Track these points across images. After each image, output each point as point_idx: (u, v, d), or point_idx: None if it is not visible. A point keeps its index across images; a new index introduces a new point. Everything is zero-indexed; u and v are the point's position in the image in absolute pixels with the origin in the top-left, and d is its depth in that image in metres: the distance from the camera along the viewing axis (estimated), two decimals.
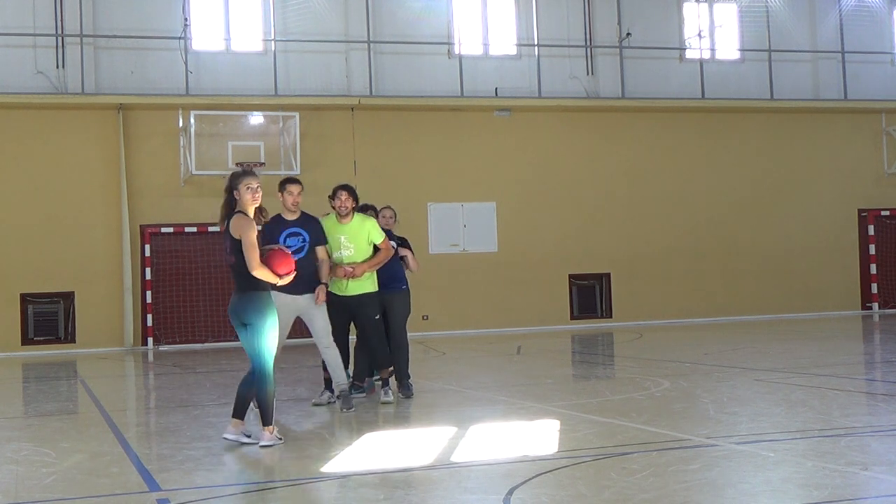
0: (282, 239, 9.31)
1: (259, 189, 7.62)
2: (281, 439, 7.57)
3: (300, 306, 9.32)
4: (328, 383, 9.84)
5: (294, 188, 9.41)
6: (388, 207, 10.86)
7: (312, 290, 9.31)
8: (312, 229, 9.44)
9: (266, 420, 7.53)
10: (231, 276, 7.70)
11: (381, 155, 21.39)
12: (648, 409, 8.89)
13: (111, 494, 6.13)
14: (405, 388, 10.18)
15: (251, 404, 7.94)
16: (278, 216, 9.46)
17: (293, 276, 7.65)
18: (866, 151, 24.60)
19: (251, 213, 7.60)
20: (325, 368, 9.87)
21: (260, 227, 7.69)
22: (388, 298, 10.07)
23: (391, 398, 9.79)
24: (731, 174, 23.66)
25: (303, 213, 9.53)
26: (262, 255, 7.52)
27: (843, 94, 24.48)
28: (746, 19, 24.47)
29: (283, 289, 9.18)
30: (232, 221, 7.52)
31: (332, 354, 9.42)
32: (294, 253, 9.22)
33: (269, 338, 7.51)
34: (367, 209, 10.43)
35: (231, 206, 7.61)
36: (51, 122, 20.07)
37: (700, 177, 23.48)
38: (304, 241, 9.36)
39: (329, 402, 9.72)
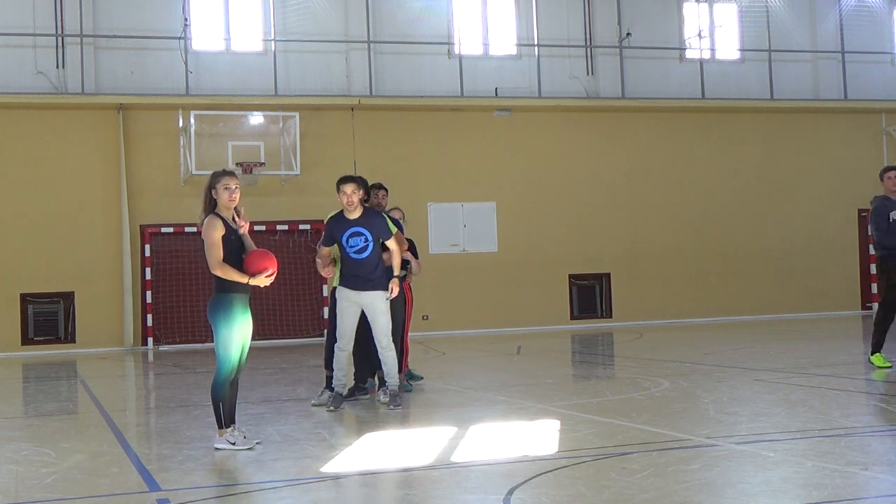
0: (344, 239, 9.30)
1: (237, 190, 7.52)
2: (234, 443, 7.34)
3: (363, 303, 9.32)
4: (329, 381, 9.82)
5: (347, 187, 9.23)
6: (381, 188, 10.74)
7: (376, 288, 9.28)
8: (375, 226, 9.33)
9: (217, 423, 7.46)
10: None
11: (381, 155, 21.38)
12: (648, 409, 8.89)
13: (111, 494, 6.13)
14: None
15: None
16: (339, 214, 9.40)
17: (269, 276, 7.41)
18: (866, 151, 24.58)
19: (228, 213, 7.54)
20: (327, 367, 9.87)
21: (237, 228, 7.60)
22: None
23: (387, 398, 9.76)
24: (731, 174, 23.66)
25: (365, 209, 9.43)
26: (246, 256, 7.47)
27: (843, 94, 24.48)
28: (746, 19, 24.48)
29: (346, 284, 9.26)
30: (203, 222, 7.48)
31: (389, 356, 9.44)
32: (358, 252, 9.26)
33: (224, 340, 7.37)
34: (380, 188, 10.34)
35: (212, 206, 7.53)
36: (51, 122, 20.07)
37: (700, 177, 23.48)
38: (366, 240, 9.28)
39: (330, 401, 9.63)
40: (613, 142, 23.02)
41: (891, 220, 11.82)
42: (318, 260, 9.68)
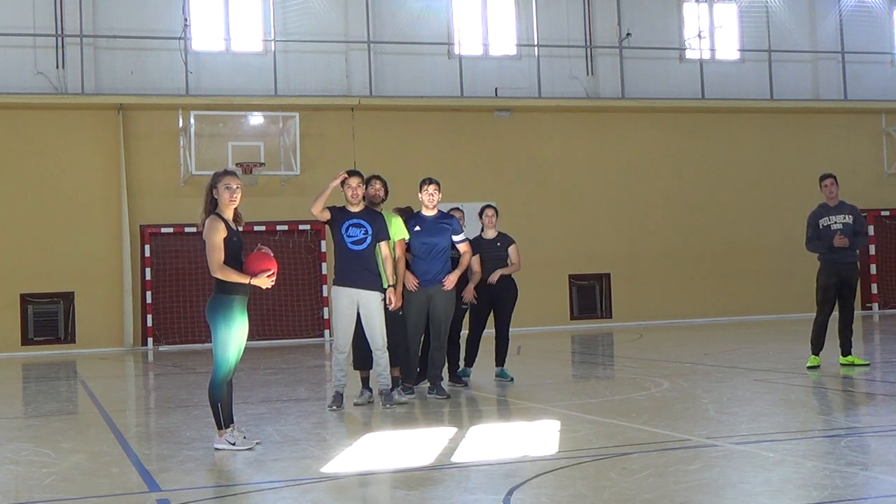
0: (343, 229, 9.36)
1: (238, 190, 7.51)
2: (234, 443, 7.34)
3: (360, 300, 9.34)
4: (364, 381, 9.83)
5: (353, 181, 9.40)
6: (377, 179, 10.40)
7: (372, 287, 9.34)
8: (375, 222, 9.45)
9: (217, 423, 7.45)
10: None
11: (381, 155, 21.34)
12: (648, 409, 8.89)
13: (111, 494, 6.13)
14: (438, 390, 10.05)
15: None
16: (343, 207, 9.51)
17: (270, 277, 7.37)
18: (866, 151, 24.59)
19: (229, 213, 7.53)
20: (357, 367, 9.90)
21: (238, 228, 7.60)
22: (431, 293, 9.94)
23: (404, 398, 9.76)
24: (731, 174, 23.65)
25: (367, 207, 9.55)
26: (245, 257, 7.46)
27: (843, 94, 24.47)
28: (746, 19, 24.47)
29: (341, 282, 9.27)
30: (205, 224, 7.46)
31: (384, 358, 9.45)
32: (356, 244, 9.32)
33: (222, 341, 7.36)
34: (376, 179, 9.95)
35: (212, 206, 7.51)
36: (51, 122, 20.07)
37: (700, 177, 23.48)
38: (366, 232, 9.37)
39: (369, 402, 9.67)
40: (613, 142, 23.02)
41: (821, 227, 11.93)
42: (318, 198, 9.30)
